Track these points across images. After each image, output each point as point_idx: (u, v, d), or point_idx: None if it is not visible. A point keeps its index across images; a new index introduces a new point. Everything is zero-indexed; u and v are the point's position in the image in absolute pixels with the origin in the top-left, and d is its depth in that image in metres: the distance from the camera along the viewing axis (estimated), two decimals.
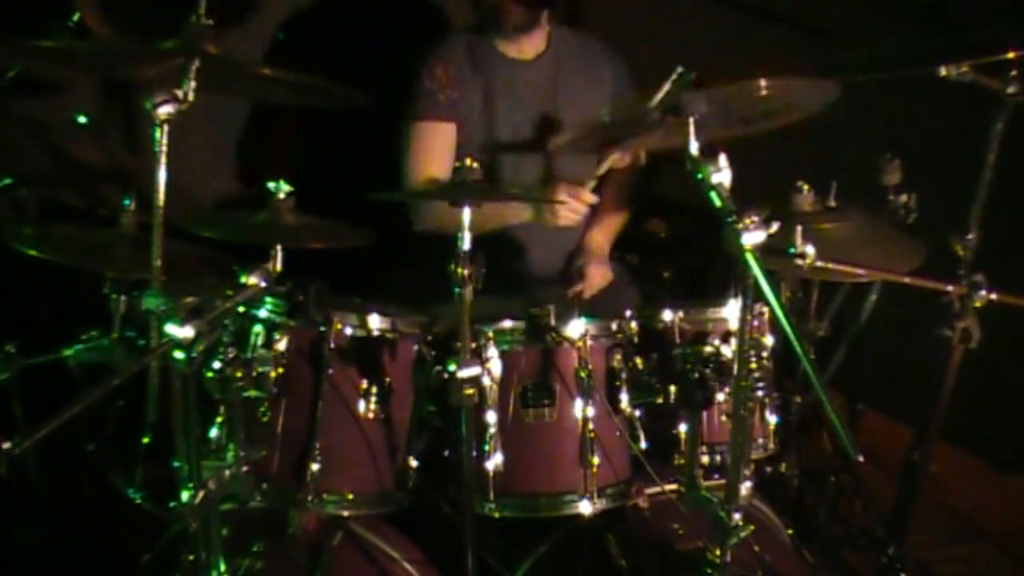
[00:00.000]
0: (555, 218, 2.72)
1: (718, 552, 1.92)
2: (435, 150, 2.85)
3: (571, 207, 2.70)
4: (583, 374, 2.17)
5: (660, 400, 2.24)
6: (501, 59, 2.91)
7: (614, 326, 2.26)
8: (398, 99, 2.88)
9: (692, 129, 1.81)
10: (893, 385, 3.03)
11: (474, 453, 2.11)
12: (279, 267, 2.00)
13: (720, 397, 2.11)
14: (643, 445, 2.22)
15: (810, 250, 2.14)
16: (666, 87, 2.12)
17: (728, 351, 2.13)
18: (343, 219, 2.27)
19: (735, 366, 1.87)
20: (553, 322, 2.17)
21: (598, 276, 2.91)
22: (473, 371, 1.98)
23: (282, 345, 2.11)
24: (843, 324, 2.84)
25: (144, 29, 3.10)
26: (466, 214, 1.99)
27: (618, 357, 2.24)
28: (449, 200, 2.05)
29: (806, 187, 2.51)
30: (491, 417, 2.13)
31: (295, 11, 3.46)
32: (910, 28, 2.24)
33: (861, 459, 1.82)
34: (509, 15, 2.83)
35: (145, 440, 2.32)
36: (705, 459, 2.22)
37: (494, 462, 2.15)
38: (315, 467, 2.11)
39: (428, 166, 2.82)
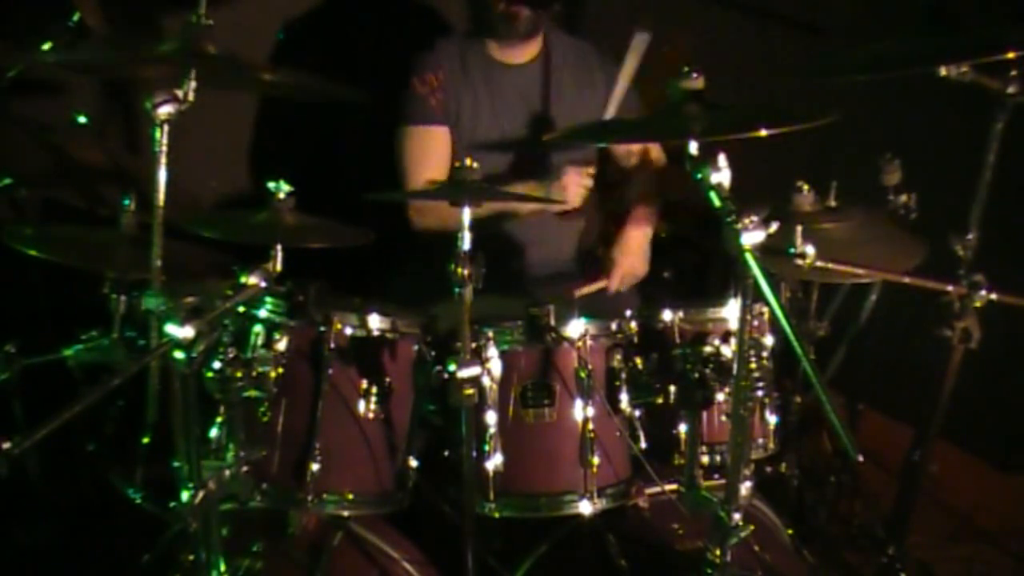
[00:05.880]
0: (565, 194, 2.75)
1: (718, 552, 1.92)
2: (431, 154, 2.86)
3: (578, 183, 2.75)
4: (583, 374, 2.17)
5: (660, 400, 2.24)
6: (493, 64, 2.93)
7: (614, 326, 2.26)
8: (391, 106, 2.89)
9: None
10: (893, 385, 3.03)
11: (474, 453, 2.11)
12: (279, 267, 2.00)
13: (720, 397, 2.10)
14: (643, 445, 2.22)
15: (810, 250, 2.14)
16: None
17: (728, 351, 2.13)
18: (343, 219, 2.27)
19: (735, 366, 1.86)
20: (553, 322, 2.17)
21: (628, 268, 2.88)
22: (473, 371, 1.98)
23: (282, 345, 2.11)
24: (843, 324, 2.84)
25: (144, 29, 3.12)
26: (466, 214, 1.99)
27: (618, 357, 2.23)
28: (449, 200, 2.05)
29: (806, 187, 2.51)
30: (491, 417, 2.13)
31: (295, 11, 3.47)
32: (910, 28, 2.23)
33: (861, 459, 1.82)
34: (518, 22, 2.83)
35: (145, 440, 2.31)
36: (705, 459, 2.22)
37: (494, 462, 2.15)
38: (315, 467, 2.10)
39: (425, 170, 2.83)
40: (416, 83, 2.89)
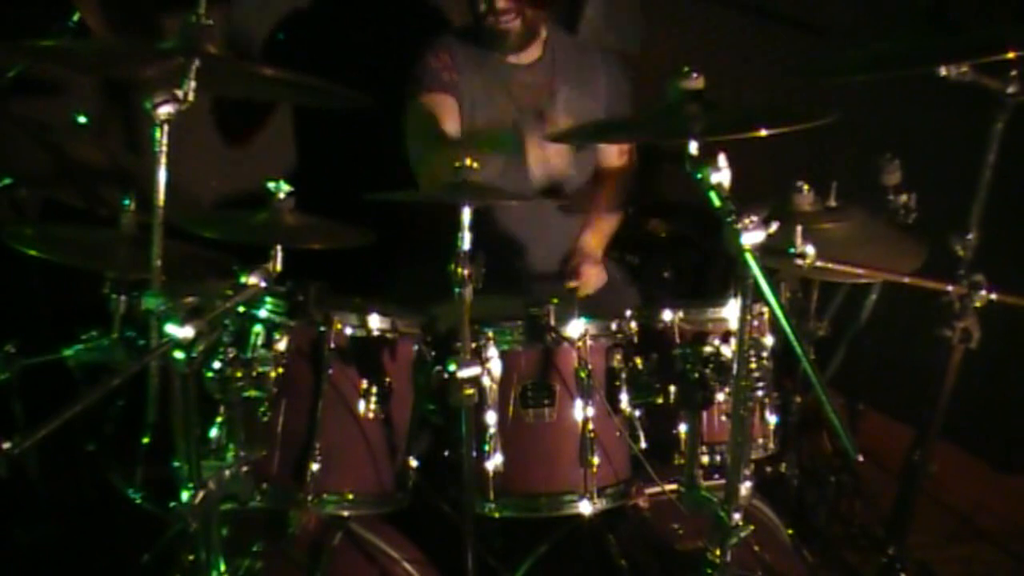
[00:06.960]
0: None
1: (718, 552, 1.92)
2: (446, 118, 2.84)
3: (596, 276, 2.85)
4: (583, 374, 2.17)
5: (660, 400, 2.24)
6: (497, 61, 2.92)
7: (614, 326, 2.26)
8: (401, 86, 2.88)
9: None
10: (893, 385, 3.03)
11: (474, 453, 2.11)
12: (279, 267, 2.00)
13: (720, 397, 2.10)
14: (643, 445, 2.22)
15: (810, 250, 2.13)
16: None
17: (728, 351, 2.12)
18: (343, 219, 2.27)
19: (735, 366, 1.86)
20: (553, 322, 2.17)
21: (593, 276, 2.89)
22: (473, 371, 1.98)
23: (282, 345, 2.11)
24: (843, 324, 2.84)
25: (144, 29, 3.12)
26: (466, 214, 1.99)
27: (618, 357, 2.24)
28: (449, 200, 2.05)
29: (806, 187, 2.51)
30: (491, 417, 2.13)
31: (295, 10, 3.47)
32: (910, 28, 2.23)
33: (861, 459, 1.82)
34: (508, 37, 2.83)
35: (145, 440, 2.31)
36: (705, 459, 2.22)
37: (494, 462, 2.15)
38: (315, 467, 2.11)
39: (435, 127, 2.81)
40: (430, 57, 2.89)
